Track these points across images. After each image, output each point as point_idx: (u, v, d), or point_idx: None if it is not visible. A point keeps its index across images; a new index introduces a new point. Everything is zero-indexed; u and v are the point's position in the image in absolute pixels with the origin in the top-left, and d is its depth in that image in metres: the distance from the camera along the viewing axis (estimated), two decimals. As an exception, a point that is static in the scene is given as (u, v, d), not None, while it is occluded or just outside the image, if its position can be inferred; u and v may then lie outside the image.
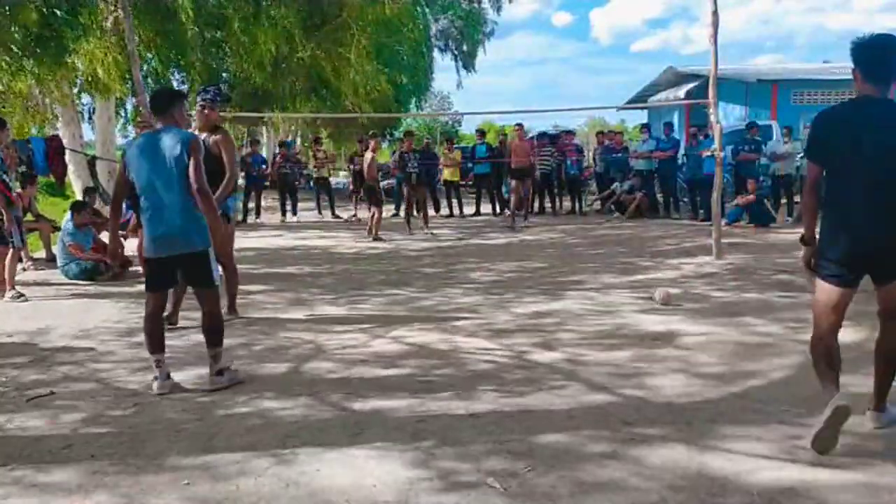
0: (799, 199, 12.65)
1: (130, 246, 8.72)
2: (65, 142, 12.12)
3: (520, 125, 13.29)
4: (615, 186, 14.05)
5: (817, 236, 3.21)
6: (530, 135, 15.65)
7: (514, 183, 12.40)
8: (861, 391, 3.80)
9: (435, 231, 11.81)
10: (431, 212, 13.80)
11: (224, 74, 17.85)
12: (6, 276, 6.68)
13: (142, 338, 5.15)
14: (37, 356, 4.72)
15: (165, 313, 4.83)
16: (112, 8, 12.47)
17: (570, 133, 16.76)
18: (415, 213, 12.27)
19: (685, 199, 14.00)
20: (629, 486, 2.77)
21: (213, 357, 4.04)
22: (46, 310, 6.23)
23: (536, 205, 14.95)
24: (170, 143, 3.87)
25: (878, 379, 3.19)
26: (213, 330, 4.08)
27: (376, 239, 11.01)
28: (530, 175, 12.78)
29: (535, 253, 9.41)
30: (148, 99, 3.93)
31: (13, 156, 8.24)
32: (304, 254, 9.74)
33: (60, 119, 14.30)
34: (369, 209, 11.49)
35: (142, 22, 12.85)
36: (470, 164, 15.90)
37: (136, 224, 8.22)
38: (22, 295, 6.61)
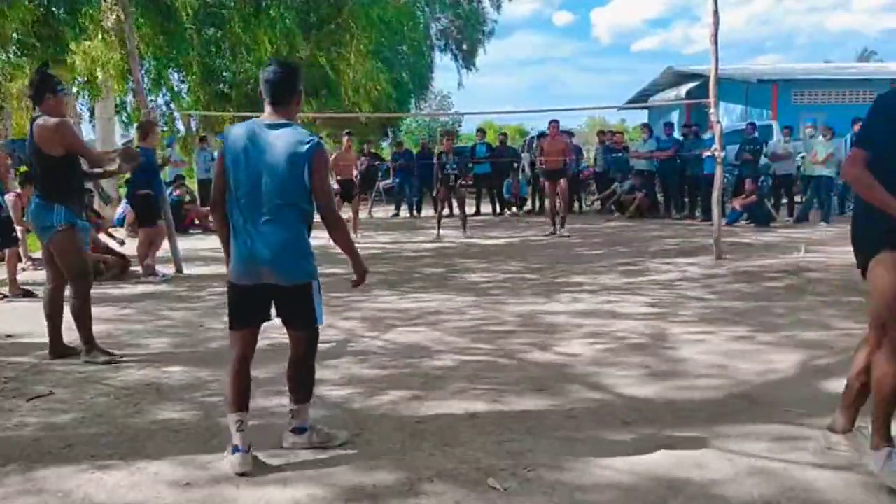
0: (799, 199, 12.68)
1: (131, 246, 8.74)
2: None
3: (555, 122, 11.60)
4: (615, 186, 14.05)
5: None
6: (531, 135, 15.57)
7: (547, 185, 11.50)
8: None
9: (471, 235, 11.29)
10: (430, 211, 13.81)
11: (224, 74, 17.85)
12: (8, 275, 6.73)
13: (140, 337, 5.20)
14: (36, 356, 4.72)
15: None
16: (112, 7, 12.46)
17: (569, 133, 16.71)
18: (446, 213, 12.09)
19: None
20: (629, 486, 2.77)
21: (294, 412, 3.21)
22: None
23: (536, 205, 14.95)
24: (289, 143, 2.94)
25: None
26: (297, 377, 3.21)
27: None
28: (564, 175, 11.56)
29: (535, 253, 9.40)
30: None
31: (4, 159, 8.29)
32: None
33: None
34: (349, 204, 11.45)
35: (143, 22, 12.85)
36: (470, 165, 15.86)
37: (134, 221, 8.24)
38: (4, 296, 6.68)
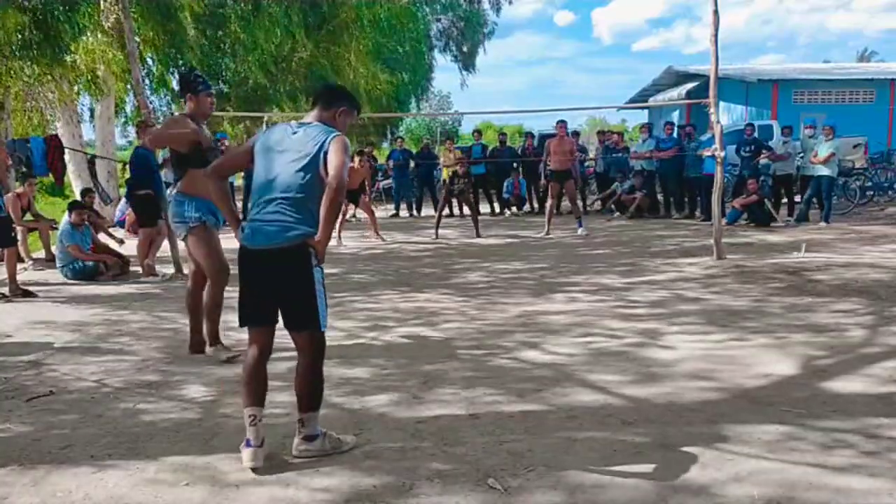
0: (799, 199, 12.68)
1: (131, 246, 8.74)
2: (64, 141, 12.12)
3: (562, 122, 11.47)
4: (615, 186, 14.05)
5: None
6: (523, 142, 15.60)
7: (551, 187, 11.28)
8: (855, 390, 3.80)
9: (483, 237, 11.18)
10: (430, 211, 13.79)
11: (224, 74, 17.87)
12: (9, 275, 6.74)
13: (140, 337, 5.20)
14: (36, 356, 4.72)
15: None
16: (112, 7, 12.46)
17: (575, 134, 16.73)
18: (445, 213, 12.21)
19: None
20: (629, 486, 2.77)
21: (303, 420, 3.10)
22: (46, 310, 6.23)
23: (536, 205, 14.94)
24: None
25: None
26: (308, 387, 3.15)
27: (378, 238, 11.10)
28: (571, 177, 11.28)
29: (534, 253, 9.40)
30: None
31: (4, 157, 8.29)
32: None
33: (60, 119, 14.31)
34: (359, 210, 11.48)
35: (144, 22, 12.85)
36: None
37: (135, 222, 8.24)
38: (3, 296, 6.68)
